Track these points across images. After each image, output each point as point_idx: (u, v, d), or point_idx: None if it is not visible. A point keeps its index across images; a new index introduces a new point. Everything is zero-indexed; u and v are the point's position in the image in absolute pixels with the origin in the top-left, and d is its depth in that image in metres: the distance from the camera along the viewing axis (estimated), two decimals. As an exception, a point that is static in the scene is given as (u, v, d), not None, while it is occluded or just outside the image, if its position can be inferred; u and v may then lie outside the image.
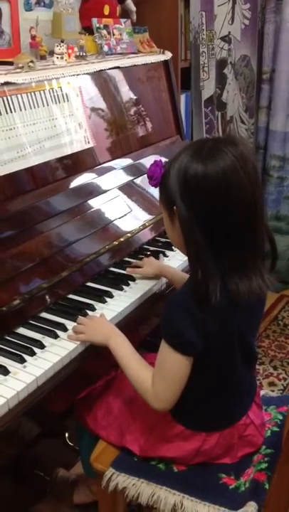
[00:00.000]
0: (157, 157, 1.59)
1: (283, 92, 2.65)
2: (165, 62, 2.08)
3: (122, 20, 1.99)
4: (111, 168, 1.73)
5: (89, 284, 1.45)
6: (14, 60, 1.52)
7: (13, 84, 1.42)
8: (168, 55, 2.10)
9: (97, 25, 1.87)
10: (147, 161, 1.81)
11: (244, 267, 1.02)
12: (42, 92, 1.52)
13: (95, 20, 1.87)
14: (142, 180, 1.78)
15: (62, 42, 1.67)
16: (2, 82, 1.39)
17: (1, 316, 1.21)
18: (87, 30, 1.88)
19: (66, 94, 1.60)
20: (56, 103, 1.56)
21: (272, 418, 1.30)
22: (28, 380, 1.09)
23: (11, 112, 1.42)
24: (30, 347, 1.17)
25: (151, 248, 1.68)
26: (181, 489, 1.14)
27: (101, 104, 1.75)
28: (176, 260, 1.60)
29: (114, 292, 1.40)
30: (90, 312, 1.32)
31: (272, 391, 2.10)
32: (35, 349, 1.17)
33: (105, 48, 1.88)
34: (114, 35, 1.92)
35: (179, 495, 1.13)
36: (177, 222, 1.03)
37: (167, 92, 2.11)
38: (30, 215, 1.41)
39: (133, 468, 1.19)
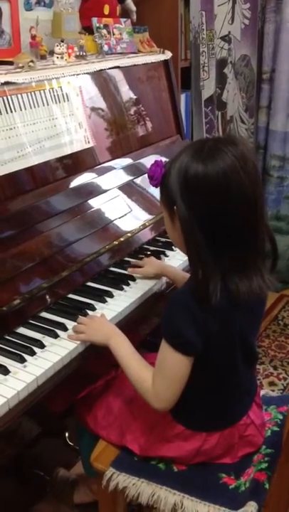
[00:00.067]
0: (157, 157, 1.60)
1: (283, 91, 2.65)
2: (165, 62, 2.08)
3: (122, 20, 1.98)
4: (111, 168, 1.73)
5: (89, 283, 1.45)
6: (14, 59, 1.52)
7: (14, 83, 1.42)
8: (168, 55, 2.10)
9: (97, 25, 1.87)
10: (147, 161, 1.81)
11: (244, 267, 1.02)
12: (42, 91, 1.52)
13: (95, 20, 1.87)
14: (142, 180, 1.77)
15: (62, 42, 1.67)
16: (2, 81, 1.39)
17: (1, 315, 1.21)
18: (87, 29, 1.88)
19: (66, 94, 1.60)
20: (56, 103, 1.56)
21: (272, 418, 1.30)
22: (28, 380, 1.09)
23: (11, 112, 1.42)
24: (30, 346, 1.17)
25: (152, 248, 1.67)
26: (182, 489, 1.14)
27: (101, 103, 1.75)
28: (176, 260, 1.59)
29: (115, 292, 1.40)
30: (90, 312, 1.32)
31: (273, 391, 2.10)
32: (36, 349, 1.17)
33: (105, 48, 1.88)
34: (114, 34, 1.92)
35: (179, 495, 1.13)
36: (178, 222, 1.03)
37: (167, 92, 2.11)
38: (31, 214, 1.41)
39: (133, 467, 1.19)
